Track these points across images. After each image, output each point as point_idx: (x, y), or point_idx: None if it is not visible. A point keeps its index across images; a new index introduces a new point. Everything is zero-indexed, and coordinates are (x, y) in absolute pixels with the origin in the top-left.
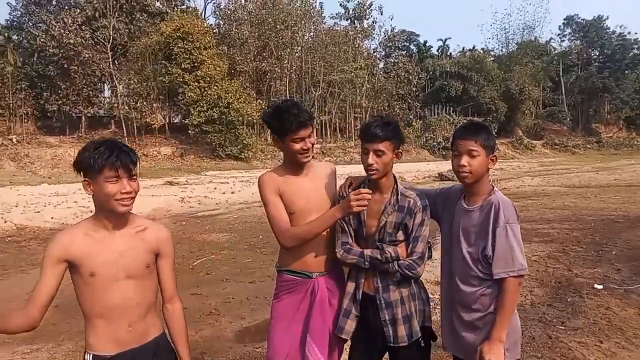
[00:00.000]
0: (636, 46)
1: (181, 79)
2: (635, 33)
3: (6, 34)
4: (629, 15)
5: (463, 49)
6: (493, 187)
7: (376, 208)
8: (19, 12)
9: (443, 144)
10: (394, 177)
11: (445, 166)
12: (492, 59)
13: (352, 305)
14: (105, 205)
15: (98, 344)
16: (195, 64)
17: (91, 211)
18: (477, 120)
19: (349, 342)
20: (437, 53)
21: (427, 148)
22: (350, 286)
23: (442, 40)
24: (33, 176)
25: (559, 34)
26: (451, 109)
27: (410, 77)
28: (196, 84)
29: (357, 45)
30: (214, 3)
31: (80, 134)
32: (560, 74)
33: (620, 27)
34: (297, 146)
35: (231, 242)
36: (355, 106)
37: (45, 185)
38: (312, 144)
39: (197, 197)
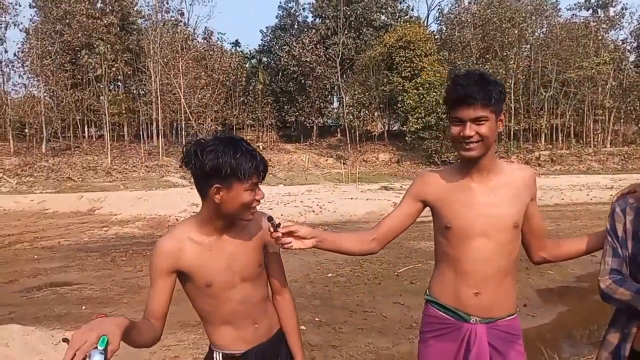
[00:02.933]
0: None
1: (401, 87)
2: None
3: (258, 57)
4: None
5: None
6: None
7: None
8: (268, 38)
9: None
10: None
11: None
12: None
13: None
14: (234, 215)
15: (227, 345)
16: (415, 72)
17: (313, 210)
18: None
19: None
20: None
21: None
22: (614, 335)
23: None
24: (273, 178)
25: None
26: None
27: None
28: (415, 91)
29: (600, 38)
30: (437, 9)
31: (311, 141)
32: None
33: None
34: (454, 130)
35: None
36: (596, 107)
37: (281, 186)
38: (480, 135)
39: None
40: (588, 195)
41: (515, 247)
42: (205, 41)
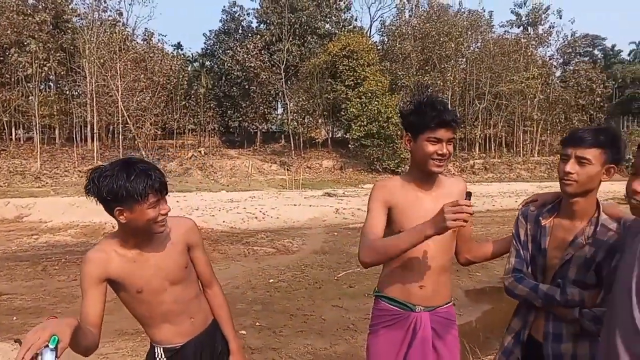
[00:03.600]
0: None
1: (344, 96)
2: None
3: (201, 61)
4: None
5: None
6: None
7: (563, 236)
8: (212, 41)
9: (633, 161)
10: (598, 203)
11: None
12: None
13: (514, 346)
14: (144, 230)
15: (167, 340)
16: (358, 81)
17: (256, 217)
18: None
19: None
20: (628, 58)
21: None
22: (516, 323)
23: (635, 43)
24: (215, 184)
25: None
26: None
27: (594, 86)
28: (358, 99)
29: (529, 54)
30: (379, 21)
31: (255, 147)
32: None
33: None
34: (432, 148)
35: None
36: (526, 119)
37: (223, 192)
38: (450, 153)
39: (352, 209)
40: (516, 202)
41: (452, 247)
42: (145, 42)
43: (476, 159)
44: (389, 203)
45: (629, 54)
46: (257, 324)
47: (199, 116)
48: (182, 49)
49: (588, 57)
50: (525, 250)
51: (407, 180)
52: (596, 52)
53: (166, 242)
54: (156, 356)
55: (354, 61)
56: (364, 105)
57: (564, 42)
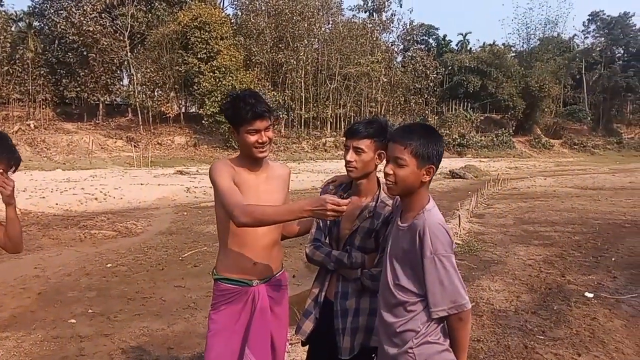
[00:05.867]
0: None
1: (197, 69)
2: None
3: (27, 21)
4: None
5: (483, 44)
6: (429, 202)
7: (353, 211)
8: None
9: (459, 140)
10: (379, 182)
11: (459, 163)
12: (512, 54)
13: (313, 307)
14: None
15: None
16: (212, 54)
17: (96, 198)
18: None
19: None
20: (456, 48)
21: None
22: (316, 287)
23: (462, 34)
24: (48, 162)
25: (582, 31)
26: (468, 105)
27: (428, 72)
28: (211, 74)
29: (374, 38)
30: None
31: (97, 121)
32: (583, 71)
33: None
34: (252, 138)
35: None
36: (371, 100)
37: (59, 170)
38: (270, 139)
39: (204, 187)
40: None
41: (281, 224)
42: None
43: (328, 137)
44: (234, 180)
45: (457, 44)
46: (90, 311)
47: (26, 84)
48: (2, 5)
49: (424, 45)
50: (324, 223)
51: (239, 164)
52: (431, 41)
53: None
54: None
55: (207, 33)
56: (217, 80)
57: (404, 29)
